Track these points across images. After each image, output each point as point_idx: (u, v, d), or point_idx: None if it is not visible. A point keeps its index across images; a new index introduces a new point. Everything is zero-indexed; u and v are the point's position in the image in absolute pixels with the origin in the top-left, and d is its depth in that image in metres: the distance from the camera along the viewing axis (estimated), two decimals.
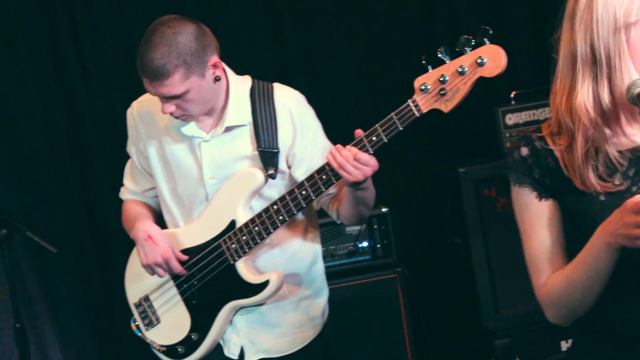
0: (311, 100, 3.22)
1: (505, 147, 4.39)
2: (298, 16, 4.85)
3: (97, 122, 4.73)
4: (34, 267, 4.71)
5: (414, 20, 4.94)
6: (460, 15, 4.89)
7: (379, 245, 4.36)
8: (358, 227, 4.34)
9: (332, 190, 3.10)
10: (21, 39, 4.64)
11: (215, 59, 2.98)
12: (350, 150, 2.87)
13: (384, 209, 4.35)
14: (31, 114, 4.68)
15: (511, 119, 4.40)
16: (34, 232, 3.80)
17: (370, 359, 4.30)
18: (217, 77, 3.00)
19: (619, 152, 2.15)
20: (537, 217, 2.24)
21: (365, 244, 4.37)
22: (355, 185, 2.93)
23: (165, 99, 2.95)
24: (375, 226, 4.36)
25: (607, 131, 2.15)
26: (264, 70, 4.64)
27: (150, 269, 3.13)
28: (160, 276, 3.15)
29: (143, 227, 3.15)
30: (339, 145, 2.91)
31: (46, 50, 4.67)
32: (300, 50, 4.87)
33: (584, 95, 2.14)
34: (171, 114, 2.99)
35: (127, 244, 3.33)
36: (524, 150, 2.24)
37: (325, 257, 4.27)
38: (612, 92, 2.12)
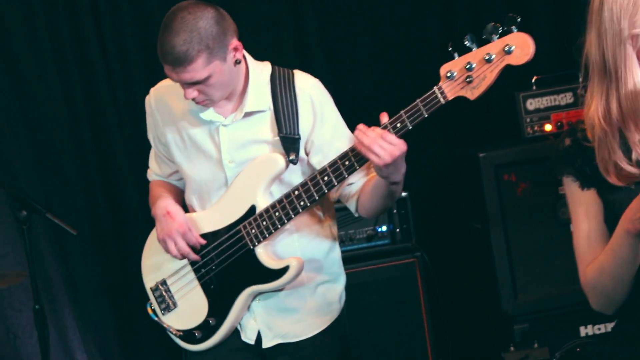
0: (332, 89, 3.21)
1: (525, 131, 4.38)
2: (319, 4, 4.85)
3: (117, 106, 4.75)
4: (54, 250, 4.74)
5: (436, 7, 4.93)
6: (482, 2, 4.88)
7: (398, 230, 4.37)
8: None
9: (352, 179, 3.10)
10: (42, 22, 4.66)
11: (235, 42, 2.98)
12: (375, 131, 2.86)
13: (403, 194, 4.32)
14: (52, 97, 4.71)
15: (532, 104, 4.38)
16: (53, 214, 3.81)
17: (388, 342, 4.32)
18: (238, 60, 3.00)
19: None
20: (581, 206, 2.29)
21: (384, 228, 4.38)
22: (387, 177, 2.91)
23: (188, 84, 2.94)
24: (395, 210, 4.36)
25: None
26: (285, 58, 4.65)
27: (165, 243, 3.13)
28: (173, 254, 3.13)
29: (162, 204, 3.16)
30: (362, 125, 2.88)
31: (67, 34, 4.69)
32: (321, 38, 4.87)
33: (596, 106, 2.19)
34: (193, 99, 2.99)
35: (147, 228, 3.33)
36: (567, 141, 2.30)
37: (344, 241, 4.31)
38: (620, 103, 2.15)
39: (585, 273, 2.27)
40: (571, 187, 2.31)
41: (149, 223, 3.29)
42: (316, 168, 3.04)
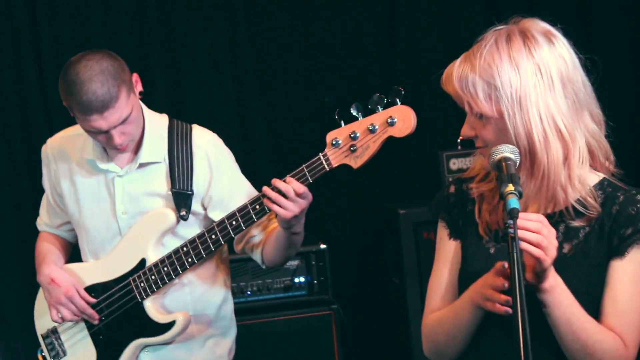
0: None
1: None
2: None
3: (48, 111, 4.73)
4: None
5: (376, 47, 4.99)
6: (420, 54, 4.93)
7: (315, 281, 4.37)
8: (296, 262, 4.36)
9: (254, 232, 3.12)
10: None
11: (134, 74, 3.02)
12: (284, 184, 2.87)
13: (322, 246, 4.35)
14: None
15: (455, 163, 4.42)
16: None
17: None
18: (141, 92, 3.04)
19: None
20: (443, 253, 2.38)
21: (302, 279, 4.38)
22: (290, 228, 2.94)
23: (115, 127, 2.93)
24: (313, 262, 4.36)
25: None
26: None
27: (56, 309, 3.16)
28: (67, 319, 3.16)
29: (46, 272, 3.20)
30: (275, 180, 2.90)
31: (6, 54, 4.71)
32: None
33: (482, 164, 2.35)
34: (120, 146, 2.97)
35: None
36: (452, 189, 2.39)
37: (261, 290, 4.32)
38: None
39: (427, 319, 2.35)
40: (441, 232, 2.40)
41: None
42: (215, 222, 3.06)
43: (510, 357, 1.94)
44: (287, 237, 3.02)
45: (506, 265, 2.04)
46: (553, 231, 2.06)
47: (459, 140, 4.47)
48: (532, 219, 2.03)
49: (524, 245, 1.99)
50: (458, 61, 2.21)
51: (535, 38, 2.17)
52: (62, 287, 3.13)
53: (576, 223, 2.22)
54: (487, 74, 2.15)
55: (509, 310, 2.03)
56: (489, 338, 2.25)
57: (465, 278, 2.29)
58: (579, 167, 2.19)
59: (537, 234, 2.01)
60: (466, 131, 2.25)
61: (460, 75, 2.18)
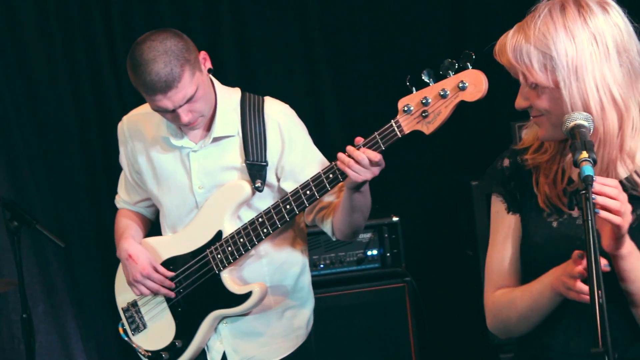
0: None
1: None
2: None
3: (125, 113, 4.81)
4: (59, 257, 4.80)
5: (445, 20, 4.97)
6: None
7: (388, 254, 4.38)
8: (369, 235, 4.37)
9: (324, 202, 3.14)
10: (55, 28, 4.74)
11: (202, 52, 3.04)
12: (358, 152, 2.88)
13: (394, 218, 4.37)
14: (63, 104, 4.78)
15: (527, 134, 4.36)
16: (43, 226, 3.87)
17: None
18: (210, 69, 3.06)
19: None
20: (502, 228, 2.34)
21: (374, 252, 4.40)
22: (358, 187, 2.94)
23: (181, 106, 2.96)
24: (386, 235, 4.38)
25: None
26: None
27: (134, 287, 3.22)
28: (145, 295, 3.22)
29: (124, 247, 3.25)
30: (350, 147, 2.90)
31: (80, 40, 4.77)
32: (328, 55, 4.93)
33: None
34: (188, 123, 3.01)
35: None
36: (506, 162, 2.36)
37: (334, 263, 4.35)
38: None
39: (493, 296, 2.33)
40: (497, 206, 2.36)
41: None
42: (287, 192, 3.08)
43: (585, 330, 1.92)
44: (353, 197, 3.00)
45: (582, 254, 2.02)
46: (626, 195, 2.04)
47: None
48: (610, 184, 2.00)
49: (603, 214, 1.96)
50: (511, 32, 2.19)
51: (590, 7, 2.15)
52: (139, 265, 3.19)
53: (636, 193, 2.19)
54: (542, 44, 2.13)
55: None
56: (562, 320, 2.23)
57: (528, 252, 2.27)
58: (632, 137, 2.17)
59: (615, 200, 1.98)
60: (520, 102, 2.24)
61: (515, 46, 2.16)
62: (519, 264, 2.31)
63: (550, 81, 2.14)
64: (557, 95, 2.14)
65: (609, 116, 2.12)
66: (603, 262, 1.96)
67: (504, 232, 2.33)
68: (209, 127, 3.14)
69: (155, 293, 3.22)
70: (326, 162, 3.10)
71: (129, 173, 3.36)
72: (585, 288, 2.01)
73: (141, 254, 3.22)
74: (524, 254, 2.29)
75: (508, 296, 2.28)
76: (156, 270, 3.19)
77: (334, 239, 3.24)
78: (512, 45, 2.17)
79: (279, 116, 3.15)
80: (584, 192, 1.92)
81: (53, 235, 3.87)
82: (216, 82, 3.16)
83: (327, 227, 3.19)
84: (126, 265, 3.23)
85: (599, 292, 1.85)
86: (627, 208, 2.01)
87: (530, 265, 2.27)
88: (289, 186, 3.09)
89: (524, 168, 2.32)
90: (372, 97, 4.91)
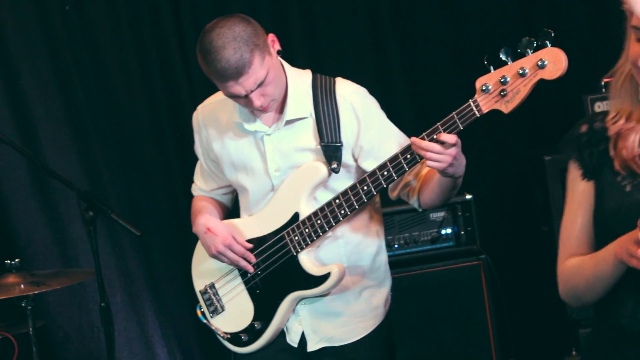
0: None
1: None
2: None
3: (196, 103, 4.84)
4: (135, 245, 4.88)
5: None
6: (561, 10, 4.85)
7: (462, 232, 4.38)
8: (442, 214, 4.38)
9: (410, 179, 3.15)
10: (125, 21, 4.82)
11: (270, 34, 3.05)
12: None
13: (468, 196, 4.37)
14: (134, 96, 4.86)
15: (600, 106, 4.33)
16: (119, 215, 3.91)
17: (452, 344, 4.35)
18: (279, 51, 3.07)
19: None
20: (577, 195, 2.33)
21: (448, 230, 4.39)
22: (451, 176, 2.96)
23: (252, 91, 2.98)
24: (459, 213, 4.38)
25: None
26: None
27: (217, 258, 3.23)
28: (231, 264, 3.24)
29: (202, 222, 3.25)
30: (413, 139, 2.92)
31: (149, 33, 4.83)
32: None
33: None
34: (260, 107, 3.03)
35: None
36: (583, 128, 2.32)
37: (408, 243, 4.35)
38: None
39: (565, 263, 2.32)
40: (574, 173, 2.34)
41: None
42: (368, 172, 3.08)
43: None
44: (451, 181, 3.03)
45: None
46: None
47: (602, 83, 4.37)
48: None
49: None
50: None
51: None
52: (220, 236, 3.19)
53: None
54: None
55: None
56: (632, 296, 2.20)
57: (600, 217, 2.25)
58: None
59: None
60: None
61: None
62: (592, 231, 2.29)
63: None
64: None
65: None
66: None
67: (578, 199, 2.32)
68: (281, 110, 3.15)
69: (235, 266, 3.23)
70: (403, 137, 3.13)
71: (204, 161, 3.39)
72: None
73: (220, 226, 3.23)
74: (597, 219, 2.27)
75: (577, 263, 2.28)
76: (237, 242, 3.21)
77: (420, 210, 3.25)
78: None
79: (352, 96, 3.15)
80: None
81: (128, 224, 3.90)
82: (286, 65, 3.17)
83: (413, 202, 3.21)
84: (205, 239, 3.24)
85: None
86: None
87: (603, 231, 2.25)
88: (370, 164, 3.10)
89: (603, 133, 2.29)
90: (443, 79, 4.91)
